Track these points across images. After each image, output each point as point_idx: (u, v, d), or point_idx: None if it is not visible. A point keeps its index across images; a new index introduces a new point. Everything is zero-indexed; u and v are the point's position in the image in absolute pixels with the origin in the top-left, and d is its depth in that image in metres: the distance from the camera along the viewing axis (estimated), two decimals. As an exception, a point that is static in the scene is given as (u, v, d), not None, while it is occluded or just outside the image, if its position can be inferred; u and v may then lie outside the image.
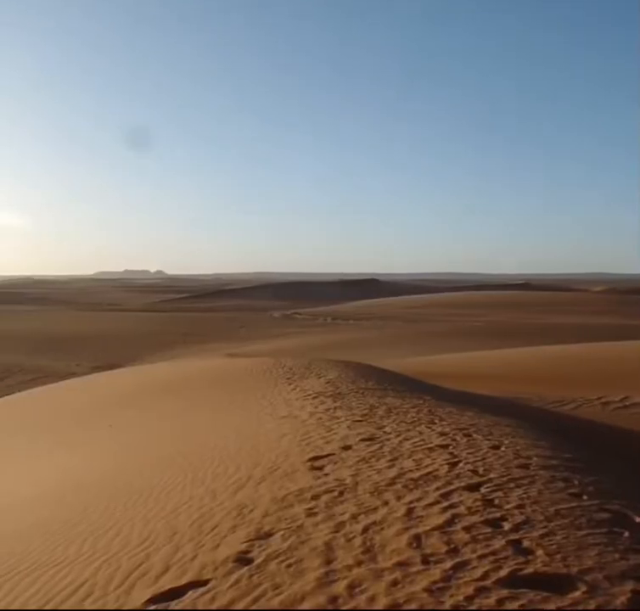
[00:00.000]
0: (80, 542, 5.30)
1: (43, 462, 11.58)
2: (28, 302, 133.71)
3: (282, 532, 4.31)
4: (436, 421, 8.27)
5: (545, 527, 3.92)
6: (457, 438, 6.91)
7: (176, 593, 3.70)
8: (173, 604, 3.57)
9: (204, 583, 3.73)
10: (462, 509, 4.33)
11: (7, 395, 28.99)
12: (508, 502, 4.42)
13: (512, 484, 4.88)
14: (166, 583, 3.89)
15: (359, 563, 3.63)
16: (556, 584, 3.16)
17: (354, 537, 4.03)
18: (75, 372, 42.94)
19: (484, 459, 5.77)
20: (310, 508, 4.74)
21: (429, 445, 6.50)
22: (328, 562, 3.70)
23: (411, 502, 4.58)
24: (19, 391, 29.92)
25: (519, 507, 4.32)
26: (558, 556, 3.48)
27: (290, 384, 14.35)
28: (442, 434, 7.20)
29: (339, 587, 3.36)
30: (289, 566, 3.73)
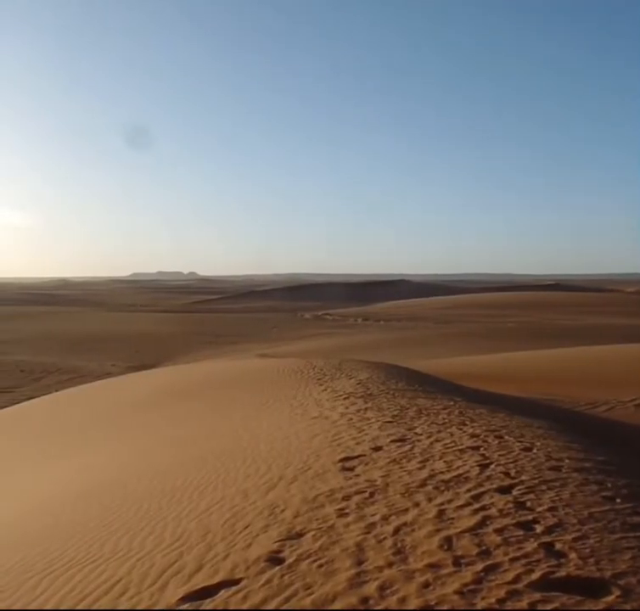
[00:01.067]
0: (115, 540, 5.39)
1: (78, 460, 11.78)
2: (64, 303, 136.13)
3: (313, 532, 4.34)
4: (467, 422, 8.22)
5: (578, 530, 3.88)
6: (489, 440, 6.86)
7: (208, 592, 3.74)
8: (206, 603, 3.61)
9: (237, 582, 3.77)
10: (493, 511, 4.30)
11: (44, 394, 29.54)
12: (540, 505, 4.39)
13: (544, 487, 4.84)
14: (199, 581, 3.93)
15: (390, 565, 3.63)
16: (589, 588, 3.13)
17: (385, 538, 4.03)
18: (110, 373, 43.60)
19: (515, 461, 5.73)
20: (341, 509, 4.75)
21: (461, 447, 6.47)
22: (359, 563, 3.72)
23: (442, 504, 4.57)
24: (56, 391, 30.47)
25: (552, 509, 4.28)
26: (592, 559, 3.44)
27: (321, 385, 14.38)
28: (473, 435, 7.16)
29: (371, 588, 3.37)
30: (320, 566, 3.75)
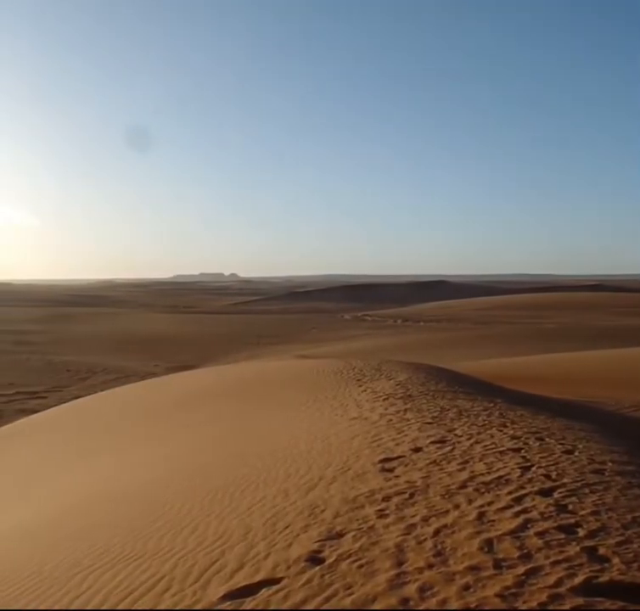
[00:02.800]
0: (158, 538, 5.49)
1: (121, 458, 12.01)
2: (109, 305, 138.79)
3: (353, 533, 4.36)
4: (508, 424, 8.14)
5: (621, 534, 3.82)
6: (530, 442, 6.79)
7: (250, 590, 3.78)
8: (247, 601, 3.65)
9: (277, 581, 3.80)
10: (534, 514, 4.26)
11: (89, 393, 30.17)
12: (582, 508, 4.33)
13: (586, 490, 4.77)
14: (241, 580, 3.98)
15: (430, 566, 3.63)
16: (633, 593, 3.08)
17: (425, 540, 4.03)
18: (153, 372, 44.33)
19: (557, 464, 5.65)
20: (381, 510, 4.76)
21: (501, 449, 6.41)
22: (399, 564, 3.72)
23: (482, 506, 4.54)
24: (101, 390, 31.08)
25: (594, 513, 4.22)
26: (635, 564, 3.39)
27: (361, 386, 14.37)
28: (514, 437, 7.09)
29: (411, 589, 3.37)
30: (360, 567, 3.77)
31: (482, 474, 5.41)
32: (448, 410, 9.65)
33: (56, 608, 4.57)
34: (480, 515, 4.35)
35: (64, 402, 27.68)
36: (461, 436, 7.30)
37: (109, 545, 5.71)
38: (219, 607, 3.68)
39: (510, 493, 4.79)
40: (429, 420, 8.67)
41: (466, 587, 3.31)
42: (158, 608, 3.95)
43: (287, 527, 4.77)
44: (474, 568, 3.52)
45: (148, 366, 50.25)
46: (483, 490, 4.95)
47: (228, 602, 3.69)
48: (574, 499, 4.55)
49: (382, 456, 6.54)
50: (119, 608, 4.18)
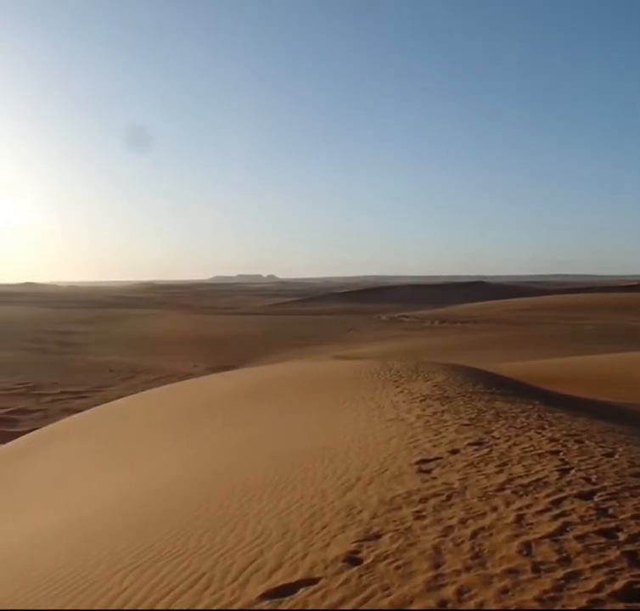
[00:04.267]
0: (198, 536, 5.56)
1: (161, 458, 12.19)
2: (150, 306, 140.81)
3: (390, 534, 4.37)
4: (546, 426, 8.05)
5: (663, 539, 3.76)
6: (569, 444, 6.70)
7: (288, 590, 3.81)
8: (285, 600, 3.68)
9: (315, 581, 3.83)
10: (574, 517, 4.21)
11: (131, 393, 30.66)
12: (622, 512, 4.26)
13: (626, 493, 4.70)
14: (279, 579, 4.01)
15: (468, 569, 3.62)
16: (675, 599, 3.03)
17: (462, 542, 4.02)
18: (193, 373, 44.86)
19: (597, 467, 5.57)
20: (418, 511, 4.76)
21: (539, 451, 6.35)
22: (437, 565, 3.72)
23: (520, 509, 4.51)
24: (143, 390, 31.56)
25: (635, 517, 4.15)
26: (678, 570, 3.33)
27: (397, 387, 14.34)
28: (553, 439, 7.01)
29: (448, 592, 3.37)
30: (397, 568, 3.78)
31: (520, 477, 5.36)
32: (486, 411, 9.57)
33: (97, 606, 4.65)
34: (519, 518, 4.32)
35: (107, 402, 28.20)
36: (498, 438, 7.24)
37: (149, 543, 5.80)
38: (257, 606, 3.72)
39: (549, 496, 4.74)
40: (467, 422, 8.62)
41: (504, 590, 3.30)
42: (197, 606, 4.01)
43: (324, 527, 4.80)
44: (512, 572, 3.50)
45: (187, 366, 50.85)
46: (521, 492, 4.91)
47: (267, 602, 3.73)
48: (614, 502, 4.48)
49: (419, 458, 6.53)
50: (158, 606, 4.25)
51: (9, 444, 21.48)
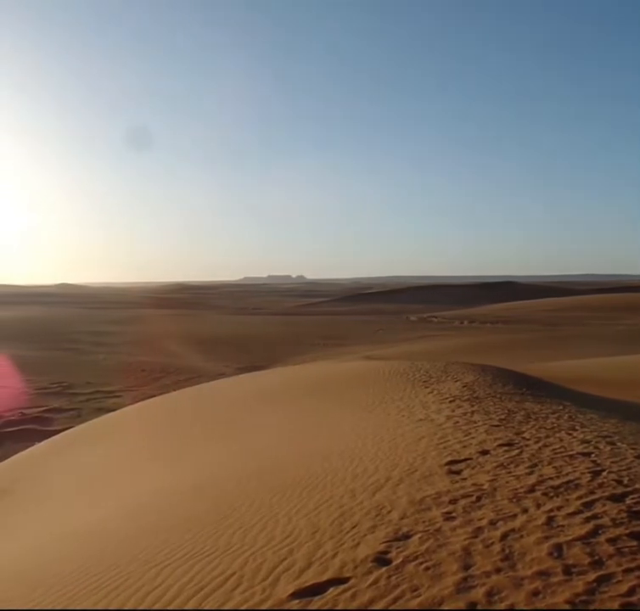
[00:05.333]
0: (229, 535, 5.62)
1: (193, 457, 12.31)
2: (180, 307, 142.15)
3: (420, 534, 4.36)
4: (577, 427, 7.95)
5: (698, 543, 3.70)
6: (600, 446, 6.61)
7: (317, 589, 3.84)
8: (315, 600, 3.70)
9: (345, 581, 3.85)
10: (605, 520, 4.17)
11: (163, 393, 31.00)
12: (656, 515, 4.21)
13: (660, 496, 4.63)
14: (309, 579, 4.04)
15: (498, 570, 3.61)
16: None
17: (492, 543, 4.00)
18: (223, 373, 45.18)
19: (629, 469, 5.49)
20: (447, 512, 4.75)
21: (570, 453, 6.28)
22: (466, 567, 3.71)
23: (551, 511, 4.47)
24: (174, 390, 31.89)
25: (668, 520, 4.09)
26: None
27: (427, 387, 14.28)
28: (584, 441, 6.92)
29: (478, 593, 3.36)
30: (426, 569, 3.78)
31: (551, 478, 5.31)
32: (516, 412, 9.49)
33: (130, 603, 4.72)
34: (549, 520, 4.29)
35: (139, 401, 28.54)
36: (529, 439, 7.18)
37: (181, 541, 5.87)
38: (286, 605, 3.75)
39: (580, 498, 4.69)
40: (497, 422, 8.56)
41: (535, 593, 3.28)
42: (226, 605, 4.05)
43: (354, 527, 4.82)
44: (542, 574, 3.48)
45: (218, 366, 51.25)
46: (552, 494, 4.87)
47: (297, 601, 3.76)
48: (647, 505, 4.43)
49: (448, 459, 6.51)
50: (187, 605, 4.31)
51: (44, 442, 21.88)
